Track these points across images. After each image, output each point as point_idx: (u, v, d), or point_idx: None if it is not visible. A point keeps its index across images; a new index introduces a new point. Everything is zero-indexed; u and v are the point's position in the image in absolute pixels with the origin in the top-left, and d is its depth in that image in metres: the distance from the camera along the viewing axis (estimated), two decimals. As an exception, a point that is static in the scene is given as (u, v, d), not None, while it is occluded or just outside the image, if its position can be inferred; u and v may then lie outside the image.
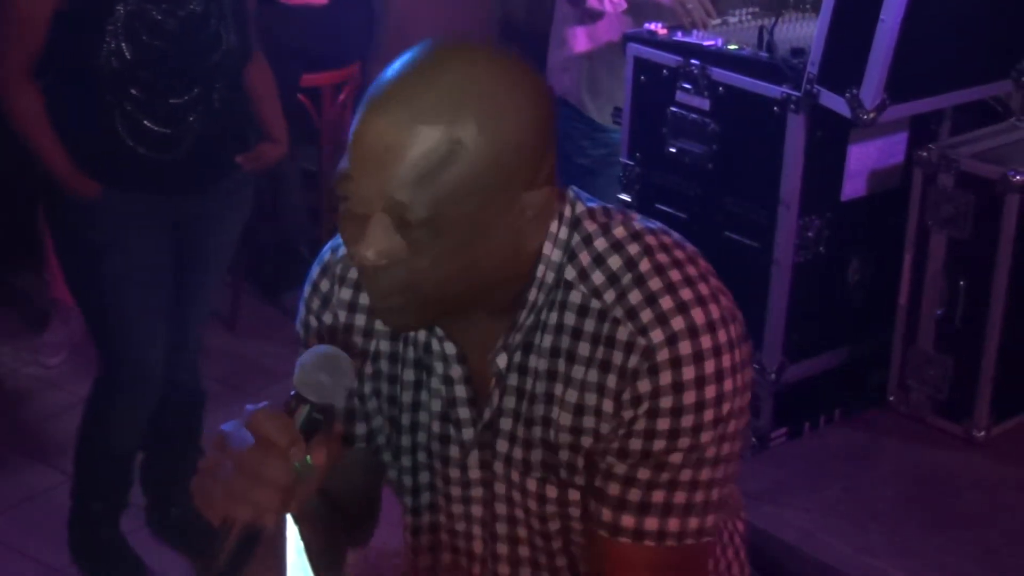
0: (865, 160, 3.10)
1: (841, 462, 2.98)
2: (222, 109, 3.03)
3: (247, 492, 1.23)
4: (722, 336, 1.36)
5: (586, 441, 1.40)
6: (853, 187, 3.10)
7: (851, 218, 3.11)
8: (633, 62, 3.23)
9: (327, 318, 1.52)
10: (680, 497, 1.38)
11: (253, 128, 3.21)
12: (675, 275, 1.38)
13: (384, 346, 1.50)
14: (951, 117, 3.26)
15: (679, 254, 1.40)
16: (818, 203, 3.03)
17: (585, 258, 1.39)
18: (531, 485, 1.44)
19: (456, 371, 1.45)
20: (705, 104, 3.09)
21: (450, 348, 1.44)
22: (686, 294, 1.36)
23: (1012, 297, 2.94)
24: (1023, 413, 3.11)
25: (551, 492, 1.43)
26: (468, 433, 1.46)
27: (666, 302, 1.36)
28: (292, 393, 1.30)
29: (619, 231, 1.41)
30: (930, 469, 2.95)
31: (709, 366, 1.35)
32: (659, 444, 1.36)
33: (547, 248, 1.39)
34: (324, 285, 1.53)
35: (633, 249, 1.39)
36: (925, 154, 3.00)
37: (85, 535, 3.36)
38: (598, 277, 1.38)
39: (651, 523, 1.38)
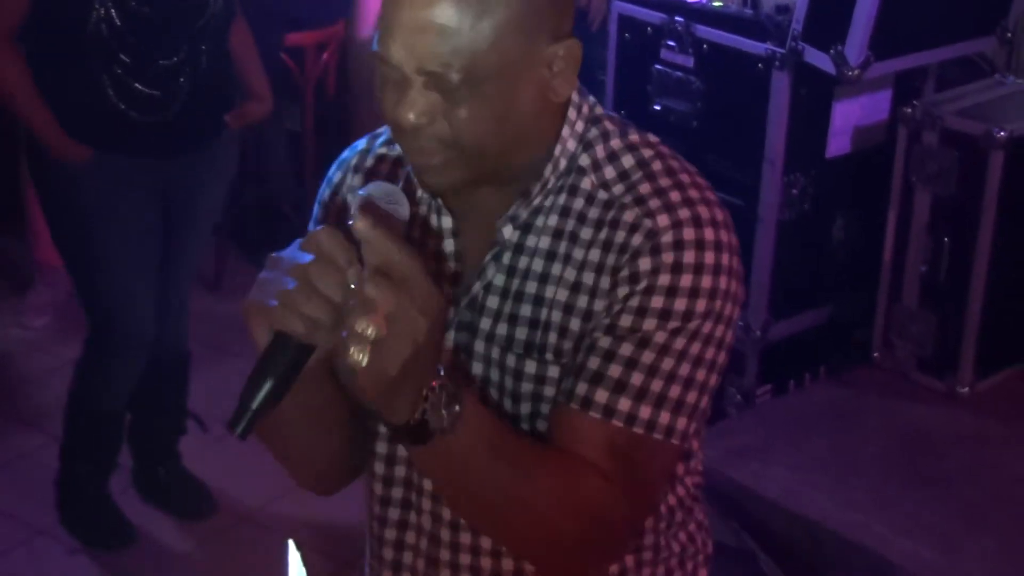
0: (850, 117, 3.10)
1: (825, 419, 2.99)
2: (210, 70, 3.02)
3: (302, 305, 1.21)
4: (723, 235, 1.41)
5: (575, 323, 1.41)
6: (838, 144, 3.10)
7: (836, 175, 3.11)
8: (617, 19, 3.22)
9: (336, 204, 1.55)
10: (657, 385, 1.39)
11: (237, 88, 3.21)
12: (684, 177, 1.43)
13: None
14: (935, 74, 3.26)
15: (689, 166, 1.46)
16: (803, 160, 3.03)
17: (600, 151, 1.44)
18: (510, 361, 1.45)
19: (448, 245, 1.48)
20: (689, 62, 3.09)
21: (447, 222, 1.47)
22: (693, 192, 1.42)
23: (996, 254, 2.94)
24: (1006, 369, 3.13)
25: (530, 367, 1.44)
26: (449, 311, 1.47)
27: (675, 195, 1.41)
28: (349, 223, 1.27)
29: (634, 137, 1.46)
30: (914, 425, 2.97)
31: (709, 256, 1.39)
32: (649, 323, 1.38)
33: (565, 131, 1.44)
34: (337, 176, 1.57)
35: (647, 152, 1.45)
36: (909, 111, 2.99)
37: (73, 496, 3.36)
38: (609, 172, 1.43)
39: (624, 403, 1.38)
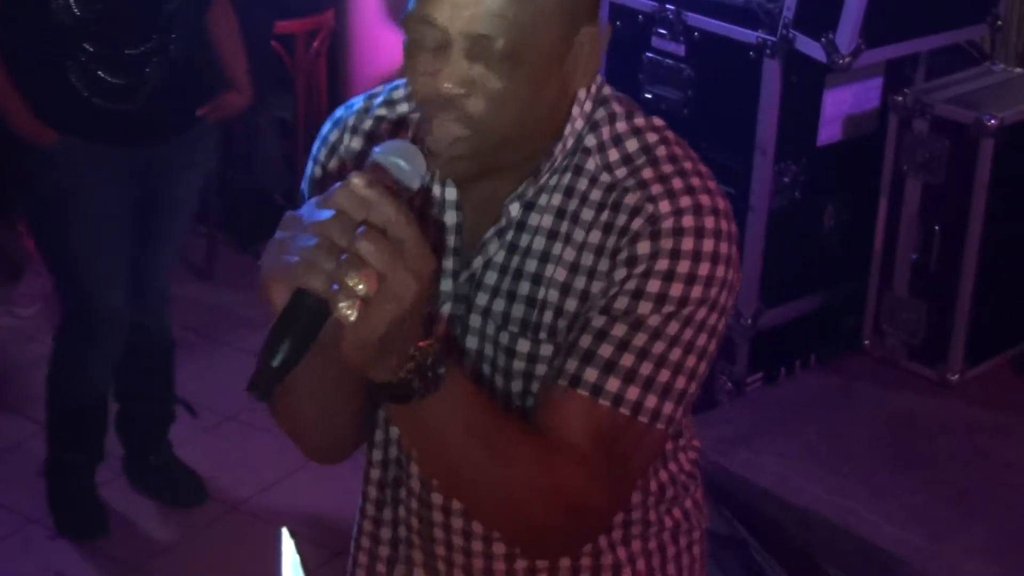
0: (841, 105, 3.10)
1: (816, 407, 3.00)
2: (180, 59, 3.01)
3: (324, 262, 1.19)
4: (723, 224, 1.42)
5: (572, 303, 1.41)
6: (829, 132, 3.10)
7: (827, 163, 3.11)
8: (608, 7, 3.21)
9: (333, 164, 1.53)
10: (646, 368, 1.38)
11: (217, 78, 3.19)
12: (687, 164, 1.44)
13: None
14: (926, 62, 3.26)
15: (692, 154, 1.47)
16: (794, 148, 3.03)
17: (606, 133, 1.44)
18: (504, 338, 1.44)
19: (450, 217, 1.46)
20: (680, 50, 3.08)
21: (451, 194, 1.46)
22: (696, 181, 1.42)
23: (986, 242, 2.95)
24: (996, 357, 3.13)
25: (523, 346, 1.44)
26: (447, 284, 1.46)
27: (677, 182, 1.41)
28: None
29: (640, 120, 1.46)
30: (904, 413, 2.97)
31: (708, 244, 1.39)
32: (644, 306, 1.38)
33: (575, 111, 1.43)
34: (333, 135, 1.54)
35: (652, 137, 1.45)
36: (900, 99, 3.00)
37: (59, 485, 3.36)
38: (613, 154, 1.43)
39: (613, 383, 1.38)
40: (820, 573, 2.63)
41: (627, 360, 1.38)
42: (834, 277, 3.25)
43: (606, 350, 1.38)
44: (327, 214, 1.19)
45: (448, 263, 1.46)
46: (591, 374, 1.38)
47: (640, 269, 1.38)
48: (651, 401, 1.39)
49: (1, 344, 4.20)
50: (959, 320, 3.01)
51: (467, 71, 1.32)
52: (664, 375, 1.39)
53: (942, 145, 2.94)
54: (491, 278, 1.45)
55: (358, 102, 1.55)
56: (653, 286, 1.38)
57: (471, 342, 1.46)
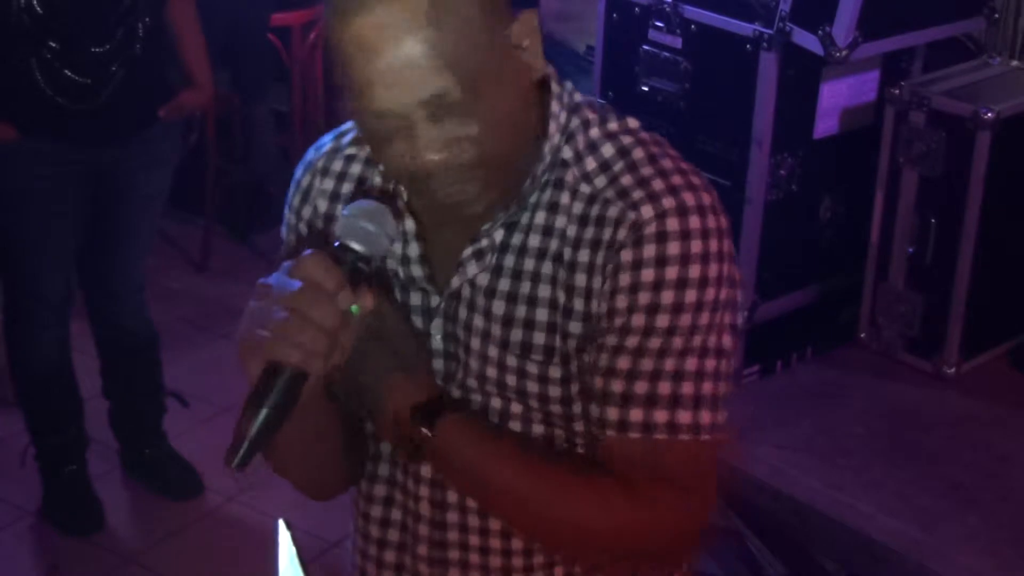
0: (837, 98, 3.10)
1: (812, 399, 3.00)
2: (144, 57, 2.99)
3: (296, 335, 1.21)
4: (710, 221, 1.37)
5: (575, 326, 1.39)
6: (825, 125, 3.10)
7: (823, 156, 3.11)
8: (606, 0, 3.21)
9: (306, 211, 1.52)
10: (664, 388, 1.37)
11: (178, 74, 3.16)
12: (667, 163, 1.40)
13: None
14: (923, 55, 3.26)
15: (670, 150, 1.43)
16: (790, 141, 3.03)
17: (581, 142, 1.41)
18: (511, 360, 1.42)
19: (413, 249, 1.44)
20: (677, 42, 3.08)
21: (409, 224, 1.44)
22: (677, 180, 1.38)
23: (982, 234, 2.95)
24: (993, 350, 3.14)
25: (532, 368, 1.42)
26: (430, 300, 1.46)
27: (657, 184, 1.38)
28: (336, 243, 1.29)
29: (613, 124, 1.43)
30: (900, 406, 2.98)
31: (695, 245, 1.35)
32: (637, 320, 1.36)
33: (552, 127, 1.41)
34: (305, 180, 1.53)
35: (627, 140, 1.41)
36: (897, 92, 3.00)
37: (54, 480, 3.36)
38: (591, 163, 1.40)
39: (636, 414, 1.37)
40: (815, 565, 2.63)
41: (640, 388, 1.36)
42: (830, 270, 3.25)
43: (618, 385, 1.37)
44: (296, 284, 1.24)
45: (416, 296, 1.44)
46: (612, 412, 1.38)
47: (628, 282, 1.35)
48: (684, 417, 1.37)
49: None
50: (955, 313, 3.01)
51: (442, 133, 1.30)
52: (687, 387, 1.37)
53: (939, 138, 2.94)
54: (482, 302, 1.42)
55: (327, 141, 1.53)
56: (644, 298, 1.35)
57: (475, 365, 1.44)
